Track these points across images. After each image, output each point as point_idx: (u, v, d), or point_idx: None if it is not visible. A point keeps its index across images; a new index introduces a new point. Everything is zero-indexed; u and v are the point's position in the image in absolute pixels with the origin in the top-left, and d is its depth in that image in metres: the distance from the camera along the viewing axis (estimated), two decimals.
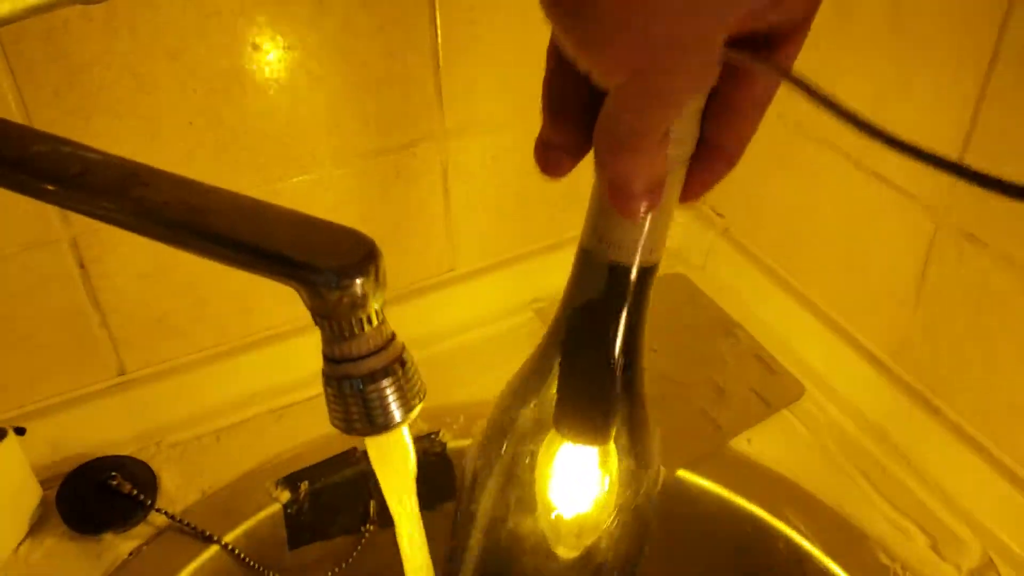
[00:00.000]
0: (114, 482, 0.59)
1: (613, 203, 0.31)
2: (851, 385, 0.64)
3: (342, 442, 0.64)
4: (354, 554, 0.63)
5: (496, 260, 0.74)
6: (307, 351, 0.68)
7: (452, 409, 0.66)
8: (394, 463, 0.40)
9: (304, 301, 0.37)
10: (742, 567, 0.62)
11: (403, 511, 0.42)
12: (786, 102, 0.64)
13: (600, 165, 0.30)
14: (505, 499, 0.44)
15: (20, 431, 0.60)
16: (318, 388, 0.70)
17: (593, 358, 0.40)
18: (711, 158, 0.31)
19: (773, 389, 0.66)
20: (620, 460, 0.42)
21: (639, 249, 0.35)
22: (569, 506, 0.43)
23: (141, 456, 0.63)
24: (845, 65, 0.59)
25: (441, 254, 0.72)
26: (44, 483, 0.60)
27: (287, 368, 0.66)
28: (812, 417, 0.65)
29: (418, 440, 0.64)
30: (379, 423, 0.39)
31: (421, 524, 0.42)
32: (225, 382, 0.65)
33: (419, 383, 0.40)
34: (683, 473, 0.61)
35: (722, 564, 0.63)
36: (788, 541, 0.58)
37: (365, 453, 0.62)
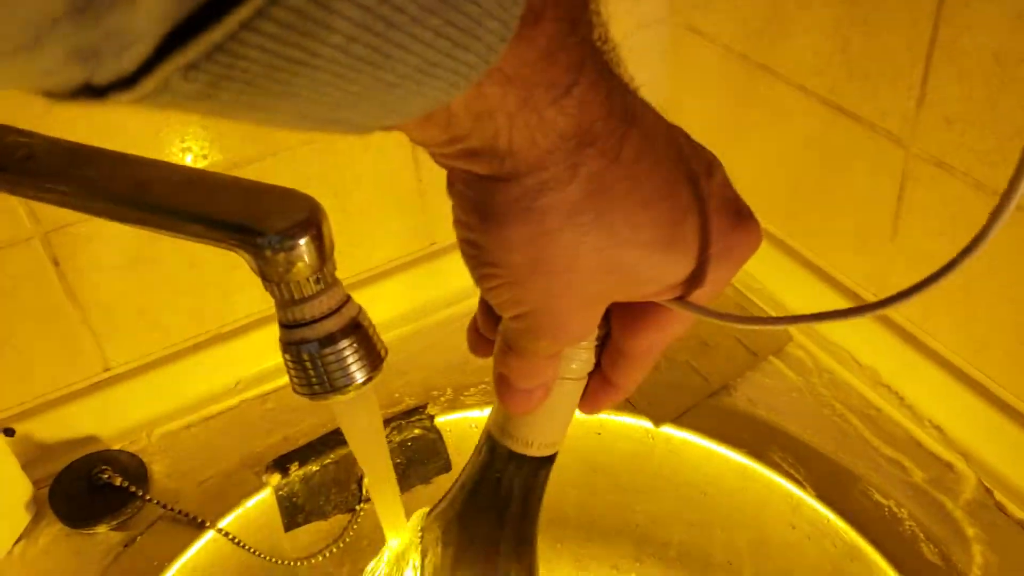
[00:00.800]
0: (105, 475, 0.60)
1: (497, 394, 0.34)
2: (837, 327, 0.63)
3: (331, 422, 0.64)
4: (350, 532, 0.64)
5: None
6: None
7: (439, 383, 0.66)
8: (361, 425, 0.40)
9: (251, 267, 0.37)
10: (733, 518, 0.61)
11: (376, 474, 0.41)
12: (748, 42, 0.64)
13: (495, 363, 0.33)
14: None
15: (9, 432, 0.61)
16: None
17: (486, 537, 0.41)
18: (604, 389, 0.35)
19: (758, 338, 0.65)
20: None
21: (532, 443, 0.38)
22: None
23: (131, 449, 0.63)
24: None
25: (419, 229, 0.71)
26: (36, 483, 0.61)
27: (271, 353, 0.66)
28: (799, 363, 0.64)
29: (405, 415, 0.64)
30: (339, 385, 0.38)
31: (395, 484, 0.42)
32: (210, 371, 0.65)
33: (378, 343, 0.40)
34: (669, 427, 0.61)
35: (713, 517, 0.63)
36: (779, 487, 0.57)
37: None
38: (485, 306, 0.35)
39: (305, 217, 0.36)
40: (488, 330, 0.35)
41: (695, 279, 0.29)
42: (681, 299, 0.30)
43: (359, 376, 0.38)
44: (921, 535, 0.53)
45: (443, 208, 0.77)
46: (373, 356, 0.39)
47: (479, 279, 0.29)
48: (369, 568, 0.43)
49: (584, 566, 0.70)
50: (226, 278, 0.64)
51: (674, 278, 0.29)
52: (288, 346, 0.38)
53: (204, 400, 0.65)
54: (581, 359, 0.34)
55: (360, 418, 0.40)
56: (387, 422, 0.63)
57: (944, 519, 0.54)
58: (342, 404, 0.40)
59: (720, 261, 0.29)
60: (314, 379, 0.39)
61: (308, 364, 0.38)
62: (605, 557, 0.69)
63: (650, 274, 0.29)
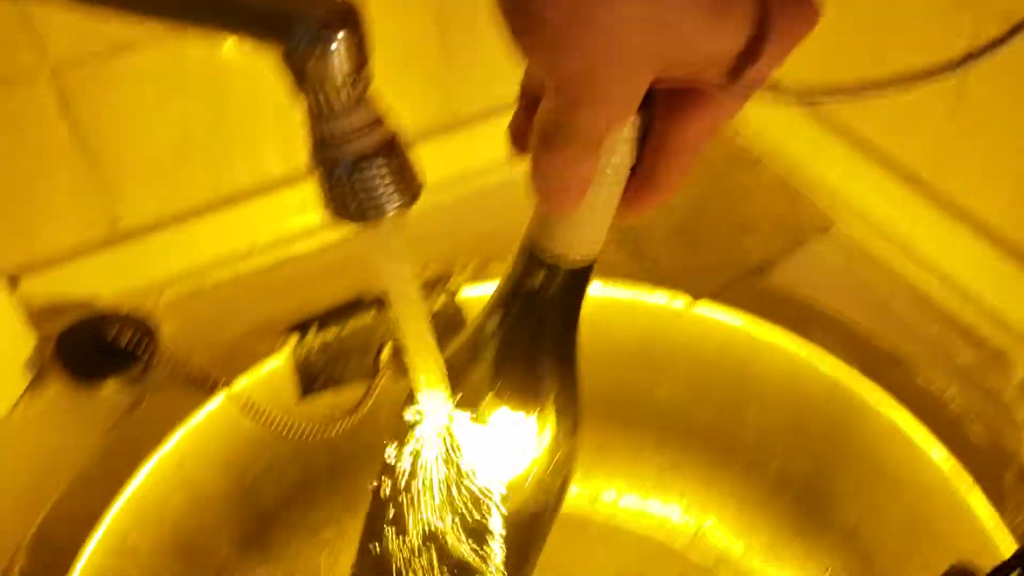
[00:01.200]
0: (113, 334, 0.57)
1: (534, 192, 0.32)
2: (886, 208, 0.60)
3: (348, 292, 0.61)
4: (368, 403, 0.61)
5: (500, 103, 0.70)
6: (309, 199, 0.65)
7: (462, 256, 0.63)
8: (392, 256, 0.37)
9: (282, 67, 0.34)
10: (767, 400, 0.59)
11: (405, 309, 0.39)
12: None
13: (531, 159, 0.32)
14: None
15: (13, 282, 0.58)
16: (320, 240, 0.68)
17: (525, 355, 0.39)
18: (644, 187, 0.33)
19: (800, 219, 0.62)
20: (545, 438, 0.41)
21: (569, 250, 0.35)
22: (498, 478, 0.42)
23: (139, 311, 0.61)
24: None
25: (443, 99, 0.68)
26: (40, 340, 0.58)
27: (287, 218, 0.63)
28: (844, 244, 0.61)
29: (425, 287, 0.62)
30: (371, 210, 0.36)
31: (427, 323, 0.39)
32: (223, 233, 0.62)
33: (414, 171, 0.37)
34: (705, 304, 0.58)
35: (745, 400, 0.60)
36: (821, 366, 0.55)
37: (375, 300, 0.61)
38: (525, 101, 0.34)
39: (341, 15, 0.33)
40: (528, 124, 0.33)
41: (749, 54, 0.27)
42: (731, 79, 0.28)
43: (391, 203, 0.36)
44: (969, 416, 0.51)
45: (468, 75, 0.74)
46: (407, 183, 0.36)
47: (517, 39, 0.28)
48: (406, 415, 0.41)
49: (604, 452, 0.67)
50: (244, 134, 0.61)
51: (726, 48, 0.27)
52: (318, 163, 0.35)
53: (216, 264, 0.62)
54: (621, 152, 0.32)
55: (390, 246, 0.37)
56: None
57: (993, 402, 0.52)
58: (373, 233, 0.37)
59: (776, 36, 0.27)
60: (347, 202, 0.36)
61: (339, 185, 0.36)
62: (625, 443, 0.67)
63: (700, 40, 0.27)
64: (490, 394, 0.40)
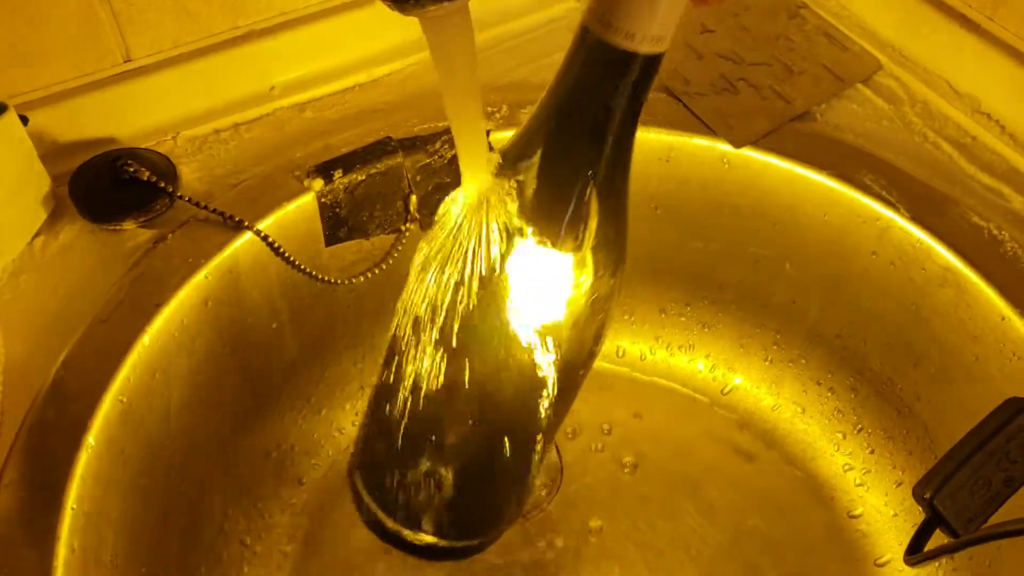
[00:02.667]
0: (131, 170, 0.54)
1: None
2: (936, 53, 0.58)
3: (373, 135, 0.58)
4: (394, 254, 0.59)
5: None
6: (332, 38, 0.62)
7: (494, 99, 0.60)
8: (453, 48, 0.35)
9: None
10: (807, 251, 0.58)
11: (462, 111, 0.36)
12: None
13: None
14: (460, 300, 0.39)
15: (22, 120, 0.55)
16: (345, 80, 0.65)
17: (578, 153, 0.36)
18: None
19: (846, 65, 0.60)
20: (588, 269, 0.38)
21: (636, 33, 0.32)
22: (535, 313, 0.39)
23: (158, 149, 0.58)
24: None
25: None
26: (53, 180, 0.56)
27: (310, 57, 0.60)
28: (891, 90, 0.59)
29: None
30: None
31: (483, 124, 0.37)
32: (242, 72, 0.59)
33: None
34: (751, 149, 0.56)
35: (782, 251, 0.59)
36: (868, 210, 0.53)
37: (400, 142, 0.58)
38: None
39: None
40: None
41: None
42: None
43: None
44: None
45: None
46: None
47: None
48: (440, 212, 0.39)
49: (630, 309, 0.66)
50: None
51: None
52: None
53: (235, 104, 0.59)
54: None
55: (451, 40, 0.35)
56: (436, 136, 0.58)
57: None
58: (431, 21, 0.34)
59: None
60: None
61: None
62: (654, 300, 0.66)
63: None
64: (534, 203, 0.37)
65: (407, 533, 0.46)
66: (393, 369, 0.43)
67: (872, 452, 0.60)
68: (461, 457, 0.43)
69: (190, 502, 0.55)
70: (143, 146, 0.58)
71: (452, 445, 0.43)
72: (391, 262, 0.60)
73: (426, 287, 0.40)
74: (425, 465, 0.43)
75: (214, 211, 0.54)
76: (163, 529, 0.52)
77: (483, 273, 0.38)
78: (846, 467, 0.60)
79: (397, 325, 0.42)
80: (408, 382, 0.42)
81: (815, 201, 0.55)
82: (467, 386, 0.40)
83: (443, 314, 0.39)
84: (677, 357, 0.66)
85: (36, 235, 0.54)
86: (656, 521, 0.60)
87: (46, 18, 0.53)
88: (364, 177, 0.57)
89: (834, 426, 0.62)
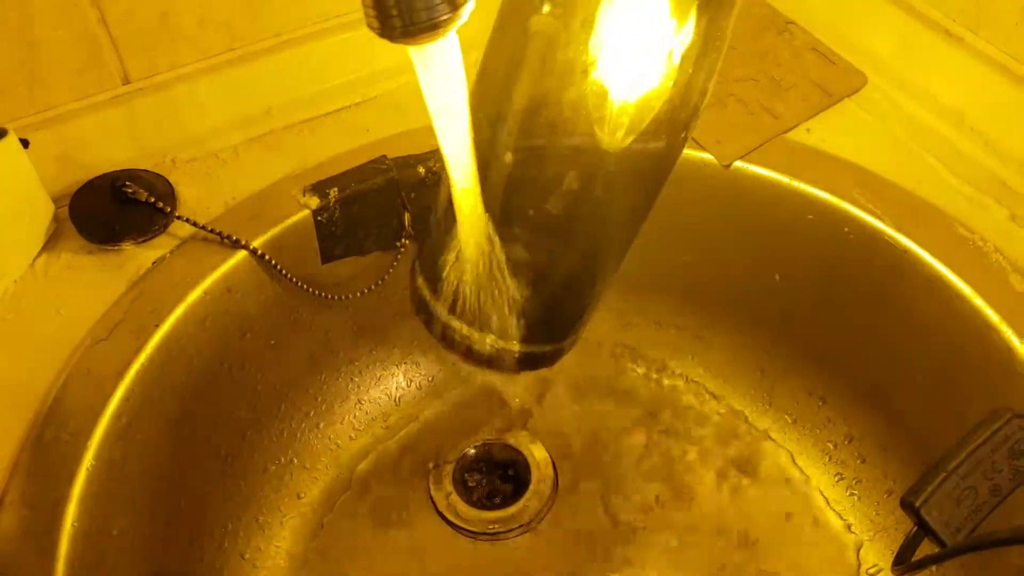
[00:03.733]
0: (130, 191, 0.55)
1: None
2: (922, 68, 0.59)
3: (369, 154, 0.59)
4: (389, 271, 0.60)
5: None
6: (327, 59, 0.63)
7: None
8: (441, 76, 0.36)
9: None
10: (797, 261, 0.58)
11: (451, 135, 0.37)
12: None
13: None
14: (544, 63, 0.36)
15: (23, 144, 0.56)
16: (340, 101, 0.66)
17: None
18: None
19: (834, 80, 0.60)
20: (691, 31, 0.35)
21: None
22: (622, 73, 0.35)
23: (156, 170, 0.59)
24: None
25: None
26: (54, 201, 0.56)
27: (305, 79, 0.61)
28: (877, 105, 0.60)
29: None
30: (420, 19, 0.34)
31: (471, 152, 0.38)
32: (239, 93, 0.60)
33: None
34: (740, 164, 0.57)
35: (773, 263, 0.60)
36: (856, 221, 0.54)
37: (395, 160, 0.59)
38: None
39: None
40: None
41: None
42: None
43: (442, 11, 0.34)
44: (1009, 267, 0.50)
45: None
46: None
47: None
48: None
49: (626, 322, 0.67)
50: None
51: None
52: None
53: (233, 125, 0.60)
54: None
55: (441, 71, 0.35)
56: (430, 154, 0.59)
57: None
58: (421, 52, 0.35)
59: None
60: (392, 10, 0.34)
61: None
62: (649, 312, 0.67)
63: None
64: None
65: (476, 336, 0.43)
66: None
67: (863, 461, 0.60)
68: (538, 251, 0.40)
69: (190, 518, 0.55)
70: (142, 167, 0.59)
71: (529, 236, 0.40)
72: (387, 279, 0.61)
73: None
74: (503, 257, 0.40)
75: (212, 231, 0.55)
76: (163, 545, 0.52)
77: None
78: (837, 476, 0.61)
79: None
80: (486, 158, 0.38)
81: (803, 215, 0.56)
82: (543, 171, 0.38)
83: (522, 88, 0.37)
84: (670, 368, 0.67)
85: (37, 256, 0.55)
86: (648, 531, 0.60)
87: (45, 42, 0.54)
88: (359, 195, 0.58)
89: (825, 436, 0.62)
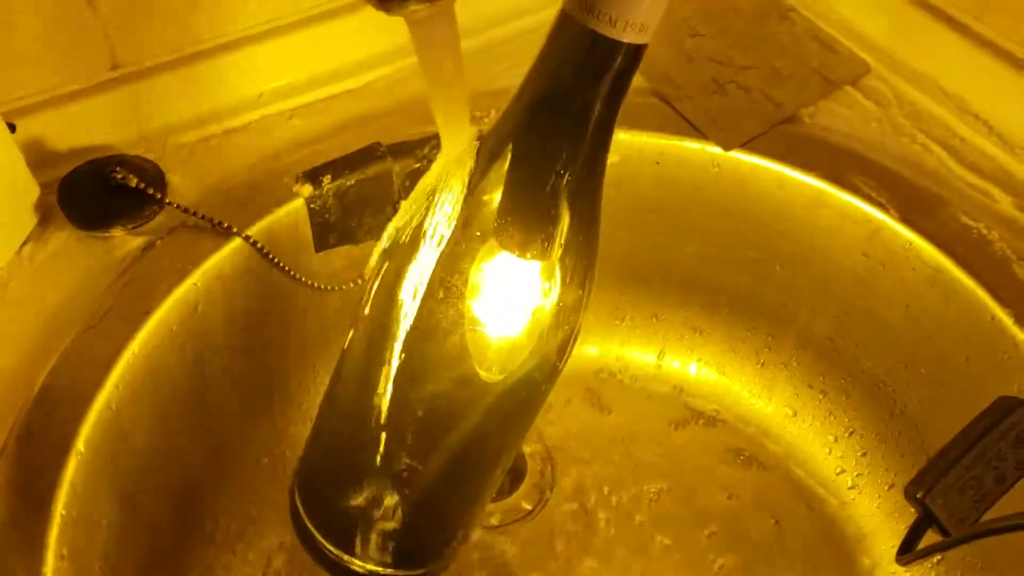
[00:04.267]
0: (119, 176, 0.54)
1: None
2: (924, 55, 0.58)
3: (362, 141, 0.58)
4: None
5: None
6: (320, 44, 0.62)
7: (483, 104, 0.60)
8: (438, 48, 0.35)
9: None
10: (798, 253, 0.58)
11: (448, 112, 0.36)
12: None
13: None
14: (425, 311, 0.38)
15: (10, 128, 0.55)
16: (333, 87, 0.65)
17: (552, 147, 0.34)
18: None
19: (835, 67, 0.60)
20: (555, 278, 0.37)
21: (618, 20, 0.30)
22: (497, 323, 0.37)
23: (146, 156, 0.58)
24: None
25: None
26: (42, 187, 0.55)
27: (298, 64, 0.60)
28: (879, 92, 0.59)
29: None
30: None
31: (468, 118, 0.37)
32: (230, 79, 0.59)
33: None
34: (740, 152, 0.56)
35: (773, 254, 0.59)
36: (857, 212, 0.53)
37: (389, 147, 0.58)
38: None
39: None
40: None
41: None
42: None
43: None
44: (1014, 256, 0.50)
45: None
46: None
47: None
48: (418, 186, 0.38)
49: (622, 314, 0.66)
50: None
51: None
52: None
53: (224, 111, 0.59)
54: None
55: (437, 41, 0.35)
56: (425, 141, 0.58)
57: None
58: (417, 23, 0.34)
59: None
60: None
61: None
62: (646, 305, 0.66)
63: None
64: (501, 203, 0.35)
65: (347, 559, 0.44)
66: (343, 381, 0.42)
67: (864, 454, 0.60)
68: (410, 481, 0.41)
69: (181, 509, 0.55)
70: (132, 153, 0.58)
71: (401, 467, 0.41)
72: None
73: (382, 287, 0.39)
74: (371, 488, 0.41)
75: (203, 217, 0.54)
76: (153, 536, 0.51)
77: (442, 279, 0.37)
78: (838, 470, 0.60)
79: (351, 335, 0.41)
80: (359, 396, 0.40)
81: (805, 203, 0.55)
82: (417, 404, 0.39)
83: (398, 324, 0.38)
84: (669, 361, 0.66)
85: (25, 243, 0.54)
86: (647, 525, 0.59)
87: (32, 26, 0.53)
88: (353, 183, 0.57)
89: (826, 429, 0.62)
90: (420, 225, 0.38)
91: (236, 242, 0.53)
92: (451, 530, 0.46)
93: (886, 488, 0.58)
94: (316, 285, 0.57)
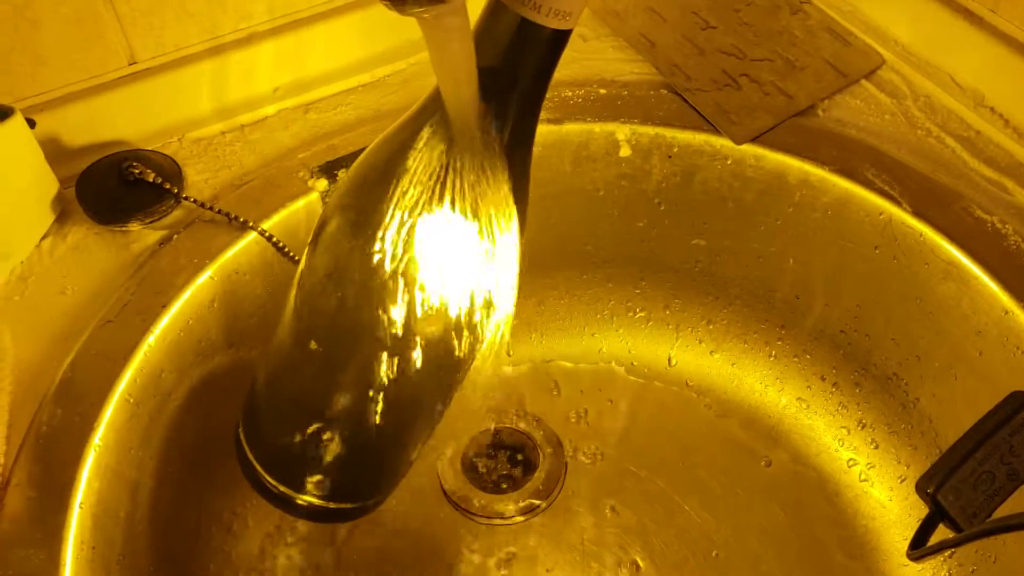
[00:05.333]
0: (137, 171, 0.55)
1: None
2: (939, 48, 0.58)
3: (376, 135, 0.59)
4: None
5: None
6: (335, 39, 0.62)
7: None
8: (451, 48, 0.35)
9: None
10: (811, 245, 0.58)
11: (459, 109, 0.37)
12: None
13: None
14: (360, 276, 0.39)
15: (29, 123, 0.55)
16: (348, 81, 0.65)
17: (487, 113, 0.37)
18: None
19: (849, 60, 0.59)
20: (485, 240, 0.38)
21: (549, 8, 0.33)
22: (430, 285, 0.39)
23: (163, 151, 0.58)
24: None
25: None
26: (61, 182, 0.56)
27: (314, 57, 0.60)
28: (894, 85, 0.59)
29: None
30: None
31: (476, 128, 0.37)
32: (246, 73, 0.59)
33: None
34: (753, 145, 0.56)
35: (786, 247, 0.59)
36: (871, 204, 0.53)
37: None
38: None
39: None
40: None
41: None
42: None
43: None
44: None
45: None
46: None
47: None
48: None
49: (634, 306, 0.67)
50: None
51: None
52: None
53: (240, 106, 0.60)
54: None
55: (450, 40, 0.35)
56: None
57: None
58: (430, 22, 0.35)
59: None
60: None
61: None
62: (659, 297, 0.66)
63: None
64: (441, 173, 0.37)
65: (290, 493, 0.46)
66: (284, 321, 0.43)
67: (876, 447, 0.60)
68: (346, 419, 0.43)
69: (198, 501, 0.55)
70: (149, 148, 0.58)
71: (340, 405, 0.42)
72: None
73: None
74: (311, 424, 0.43)
75: (219, 212, 0.54)
76: (170, 529, 0.52)
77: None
78: (850, 462, 0.60)
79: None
80: (298, 336, 0.42)
81: (818, 196, 0.55)
82: (350, 346, 0.40)
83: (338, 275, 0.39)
84: (682, 353, 0.66)
85: (44, 237, 0.55)
86: (660, 518, 0.60)
87: (51, 22, 0.54)
88: None
89: (838, 421, 0.62)
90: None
91: (252, 236, 0.54)
92: (388, 465, 0.47)
93: (898, 480, 0.58)
94: None
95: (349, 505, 0.47)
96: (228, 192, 0.56)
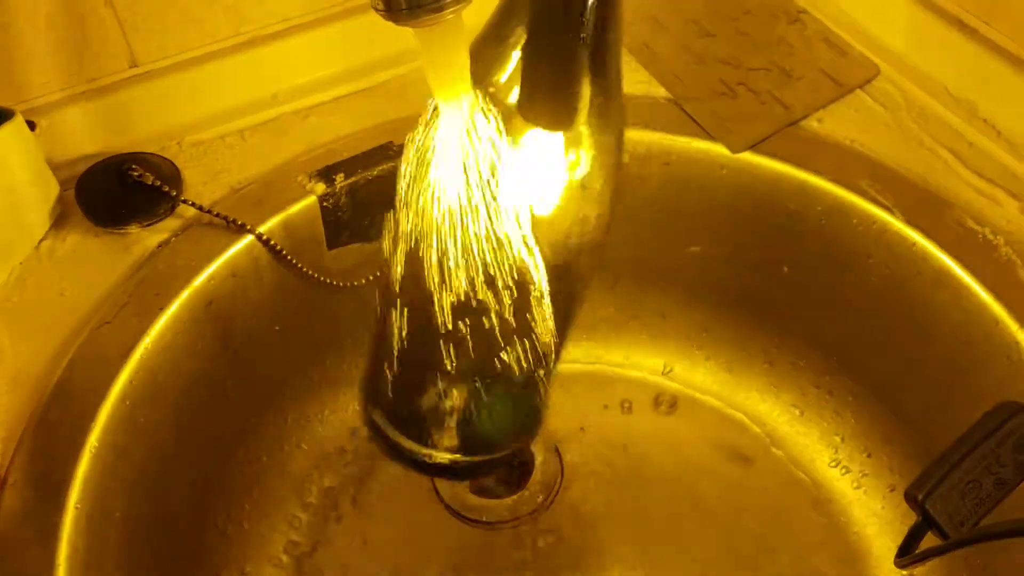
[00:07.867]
0: (136, 174, 0.55)
1: None
2: (934, 59, 0.58)
3: (375, 140, 0.59)
4: None
5: None
6: (333, 44, 0.62)
7: None
8: (446, 58, 0.35)
9: None
10: (804, 253, 0.58)
11: (451, 118, 0.37)
12: None
13: None
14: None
15: (30, 125, 0.56)
16: (347, 87, 0.66)
17: (563, 25, 0.35)
18: None
19: (845, 70, 0.60)
20: (585, 145, 0.38)
21: None
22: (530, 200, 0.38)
23: (162, 154, 0.59)
24: None
25: None
26: (60, 184, 0.56)
27: (312, 64, 0.61)
28: (889, 96, 0.59)
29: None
30: (425, 0, 0.34)
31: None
32: (246, 78, 0.60)
33: None
34: (749, 154, 0.57)
35: (780, 255, 0.59)
36: (865, 213, 0.54)
37: (401, 147, 0.59)
38: None
39: None
40: None
41: None
42: None
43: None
44: (1019, 261, 0.50)
45: None
46: None
47: None
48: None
49: (632, 313, 0.67)
50: None
51: None
52: None
53: (239, 110, 0.60)
54: None
55: (445, 46, 0.35)
56: None
57: None
58: (425, 32, 0.35)
59: None
60: None
61: None
62: (654, 303, 0.66)
63: None
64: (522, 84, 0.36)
65: (423, 452, 0.45)
66: (396, 291, 0.42)
67: (869, 455, 0.60)
68: (470, 371, 0.42)
69: (193, 503, 0.56)
70: (148, 151, 0.59)
71: (461, 359, 0.41)
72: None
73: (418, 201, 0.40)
74: (436, 382, 0.42)
75: (217, 215, 0.55)
76: (165, 530, 0.52)
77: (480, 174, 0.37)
78: (843, 470, 0.61)
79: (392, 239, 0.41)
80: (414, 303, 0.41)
81: (813, 205, 0.56)
82: (468, 296, 0.39)
83: (440, 225, 0.39)
84: (677, 360, 0.67)
85: (43, 238, 0.55)
86: (653, 523, 0.60)
87: (53, 25, 0.54)
88: (366, 181, 0.58)
89: (832, 429, 0.62)
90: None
91: (250, 239, 0.54)
92: (507, 419, 0.46)
93: (889, 489, 0.58)
94: (328, 282, 0.58)
95: (480, 458, 0.46)
96: (227, 195, 0.57)
